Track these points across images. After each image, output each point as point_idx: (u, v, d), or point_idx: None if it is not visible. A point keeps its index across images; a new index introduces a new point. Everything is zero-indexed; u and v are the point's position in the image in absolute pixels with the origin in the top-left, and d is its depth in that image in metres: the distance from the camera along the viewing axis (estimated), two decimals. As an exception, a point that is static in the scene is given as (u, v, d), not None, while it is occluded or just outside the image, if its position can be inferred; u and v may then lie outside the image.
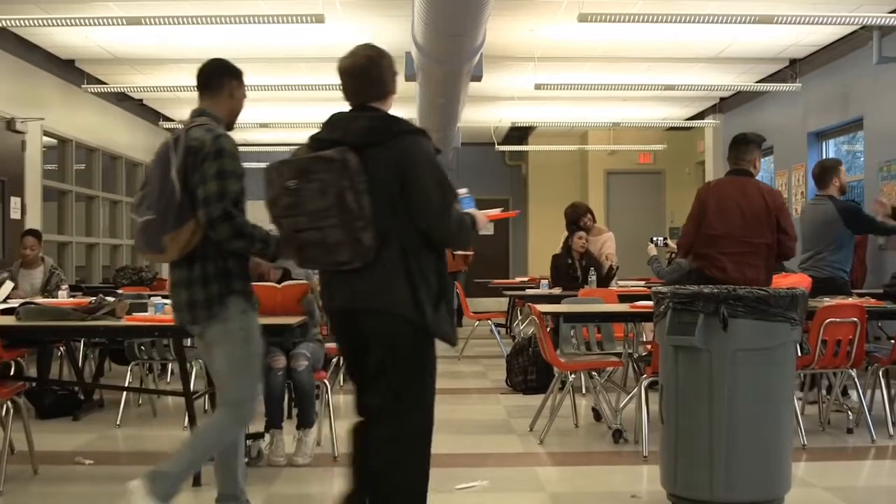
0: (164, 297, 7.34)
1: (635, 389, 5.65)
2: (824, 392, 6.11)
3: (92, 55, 10.41)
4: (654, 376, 5.36)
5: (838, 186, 6.56)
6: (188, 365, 6.84)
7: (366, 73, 3.32)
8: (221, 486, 3.74)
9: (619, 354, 6.22)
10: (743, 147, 5.58)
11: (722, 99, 13.61)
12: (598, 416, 6.31)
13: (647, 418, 5.27)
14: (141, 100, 13.33)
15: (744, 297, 3.73)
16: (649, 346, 6.44)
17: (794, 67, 11.10)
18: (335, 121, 3.31)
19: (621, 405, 5.86)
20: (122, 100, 12.87)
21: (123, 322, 4.53)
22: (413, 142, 3.23)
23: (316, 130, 3.30)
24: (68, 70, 10.86)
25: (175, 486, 3.44)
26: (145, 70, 11.12)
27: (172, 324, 4.44)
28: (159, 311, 4.60)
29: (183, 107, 13.63)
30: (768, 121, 12.35)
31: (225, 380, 3.61)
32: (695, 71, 11.31)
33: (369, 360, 3.26)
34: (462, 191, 3.45)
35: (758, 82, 11.66)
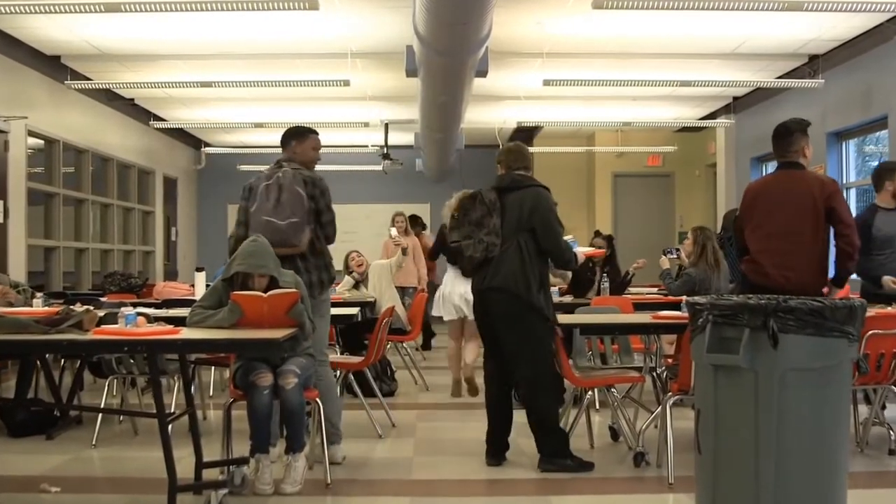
0: (147, 305, 6.94)
1: (658, 409, 5.15)
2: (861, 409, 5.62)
3: (77, 51, 9.95)
4: (679, 394, 4.89)
5: (891, 192, 6.14)
6: (169, 381, 6.43)
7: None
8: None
9: (639, 368, 5.71)
10: (787, 138, 5.14)
11: (735, 98, 13.12)
12: (615, 435, 5.81)
13: (672, 440, 4.78)
14: (132, 99, 12.85)
15: (795, 310, 3.23)
16: (670, 360, 5.93)
17: (813, 64, 10.62)
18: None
19: (643, 425, 5.34)
20: (112, 99, 12.40)
21: (90, 336, 4.04)
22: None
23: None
24: (54, 67, 10.40)
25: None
26: (134, 67, 10.63)
27: (144, 337, 3.99)
28: (130, 322, 4.10)
29: (176, 106, 13.18)
30: (783, 120, 11.86)
31: (322, 340, 5.19)
32: (709, 68, 10.83)
33: None
34: (569, 237, 5.40)
35: (778, 78, 11.13)
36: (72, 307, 4.56)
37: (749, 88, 12.18)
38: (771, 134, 5.21)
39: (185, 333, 4.17)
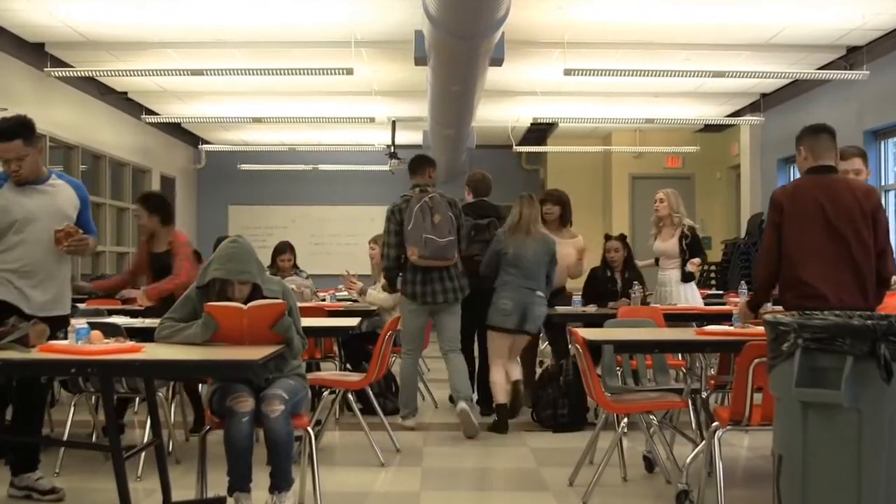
0: (128, 313, 6.25)
1: (702, 444, 4.42)
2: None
3: (62, 37, 9.27)
4: (731, 425, 4.16)
5: None
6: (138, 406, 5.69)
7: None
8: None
9: (679, 391, 4.98)
10: (823, 136, 4.42)
11: (763, 95, 12.40)
12: (650, 465, 5.08)
13: (722, 479, 4.06)
14: (125, 93, 12.17)
15: (913, 332, 2.53)
16: (713, 382, 5.21)
17: (850, 57, 9.91)
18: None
19: (688, 460, 4.60)
20: (105, 93, 11.75)
21: (33, 354, 3.35)
22: None
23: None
24: (38, 56, 9.72)
25: None
26: (123, 56, 9.94)
27: (97, 357, 3.30)
28: (82, 338, 3.42)
29: (171, 101, 12.54)
30: (817, 118, 11.00)
31: (456, 334, 6.28)
32: (739, 60, 10.11)
33: None
34: None
35: (818, 69, 10.37)
36: (19, 320, 3.87)
37: (780, 83, 11.49)
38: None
39: (149, 351, 3.48)
